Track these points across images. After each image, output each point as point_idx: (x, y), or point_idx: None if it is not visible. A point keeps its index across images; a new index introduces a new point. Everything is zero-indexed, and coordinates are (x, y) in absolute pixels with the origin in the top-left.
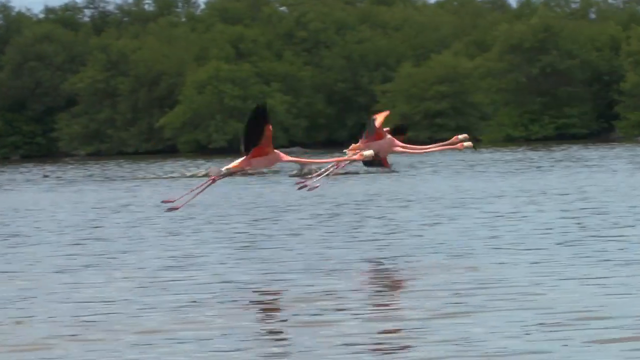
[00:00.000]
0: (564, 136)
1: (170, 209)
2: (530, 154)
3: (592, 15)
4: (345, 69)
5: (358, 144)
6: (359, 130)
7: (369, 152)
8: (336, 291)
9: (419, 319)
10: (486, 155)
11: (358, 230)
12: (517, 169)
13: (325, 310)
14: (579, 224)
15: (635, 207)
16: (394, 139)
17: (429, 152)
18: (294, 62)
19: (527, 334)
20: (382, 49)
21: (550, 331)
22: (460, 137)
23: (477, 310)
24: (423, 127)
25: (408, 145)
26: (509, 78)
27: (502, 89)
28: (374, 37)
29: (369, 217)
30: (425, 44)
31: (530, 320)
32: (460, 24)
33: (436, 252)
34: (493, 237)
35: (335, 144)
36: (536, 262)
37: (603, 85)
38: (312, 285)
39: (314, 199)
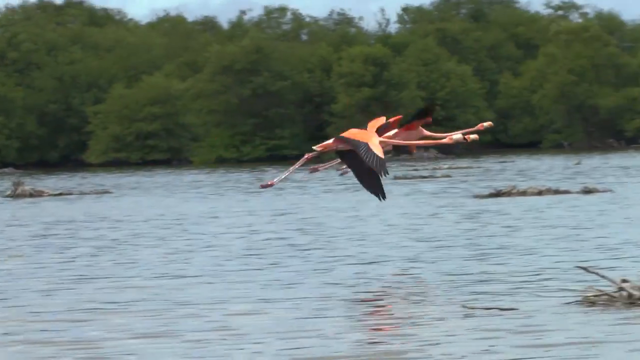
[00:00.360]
0: (276, 157)
1: (265, 186)
2: (236, 174)
3: (304, 37)
4: (57, 90)
5: (391, 134)
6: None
7: (458, 136)
8: (39, 311)
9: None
10: (199, 176)
11: (65, 251)
12: (225, 191)
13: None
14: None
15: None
16: (422, 129)
17: (452, 140)
18: (5, 83)
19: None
20: (94, 70)
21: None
22: (485, 124)
23: (172, 332)
24: (135, 148)
25: (434, 134)
26: (221, 99)
27: (214, 110)
28: (85, 58)
29: (78, 238)
30: (137, 65)
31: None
32: (172, 45)
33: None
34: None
35: (47, 165)
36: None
37: (314, 106)
38: (18, 306)
39: (22, 219)
